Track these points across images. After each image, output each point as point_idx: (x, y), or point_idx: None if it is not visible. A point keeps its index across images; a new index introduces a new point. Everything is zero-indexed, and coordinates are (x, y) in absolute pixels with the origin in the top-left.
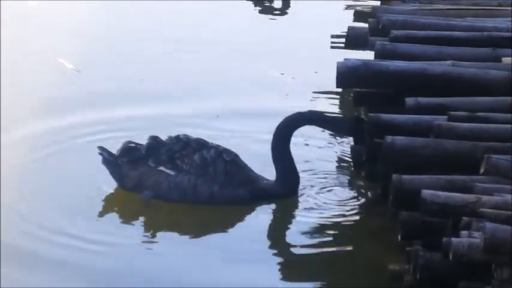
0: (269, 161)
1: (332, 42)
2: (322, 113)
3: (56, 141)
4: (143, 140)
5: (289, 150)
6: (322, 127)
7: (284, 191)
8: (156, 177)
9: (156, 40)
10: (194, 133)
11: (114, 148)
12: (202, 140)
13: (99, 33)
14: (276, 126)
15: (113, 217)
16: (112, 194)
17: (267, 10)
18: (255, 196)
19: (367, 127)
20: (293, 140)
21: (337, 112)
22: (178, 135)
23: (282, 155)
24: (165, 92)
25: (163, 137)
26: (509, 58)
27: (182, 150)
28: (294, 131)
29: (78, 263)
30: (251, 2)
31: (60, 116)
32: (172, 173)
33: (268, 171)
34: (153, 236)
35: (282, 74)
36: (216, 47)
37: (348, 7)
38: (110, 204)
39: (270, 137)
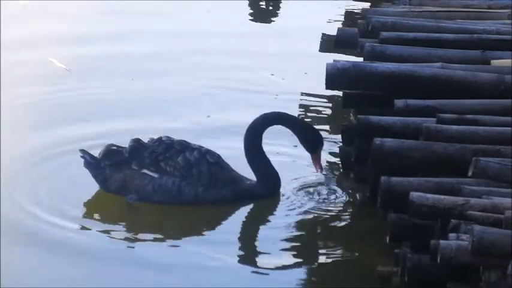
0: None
1: (321, 43)
2: (286, 114)
3: (44, 143)
4: (126, 143)
5: (263, 152)
6: (288, 127)
7: (266, 190)
8: (140, 180)
9: (148, 40)
10: (183, 134)
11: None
12: (185, 141)
13: (90, 33)
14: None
15: (97, 220)
16: (95, 196)
17: (258, 11)
18: (239, 196)
19: (356, 129)
20: (282, 141)
21: (327, 114)
22: (161, 137)
23: (256, 158)
24: (155, 91)
25: (146, 139)
26: (499, 60)
27: (165, 152)
28: (262, 133)
29: (62, 266)
30: (243, 3)
31: (51, 116)
32: (156, 175)
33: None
34: (137, 238)
35: (272, 74)
36: (206, 47)
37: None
38: (94, 206)
39: None
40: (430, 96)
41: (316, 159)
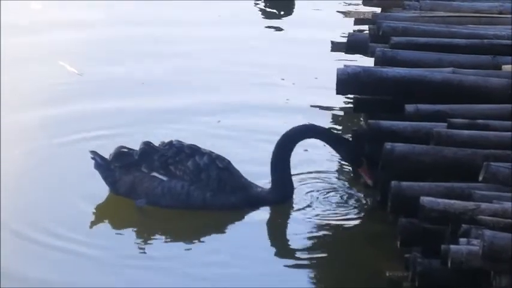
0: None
1: (332, 48)
2: (327, 128)
3: (53, 146)
4: (137, 145)
5: (289, 161)
6: (326, 142)
7: (277, 199)
8: (149, 183)
9: (159, 43)
10: (194, 139)
11: (108, 153)
12: (195, 146)
13: (102, 36)
14: (280, 134)
15: (106, 223)
16: (105, 199)
17: (269, 16)
18: (248, 202)
19: (367, 134)
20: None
21: (337, 118)
22: (171, 141)
23: (281, 165)
24: (165, 96)
25: (157, 142)
26: (510, 66)
27: (175, 156)
28: (296, 143)
29: (71, 268)
30: (254, 7)
31: (60, 120)
32: (165, 178)
33: (261, 177)
34: (146, 241)
35: (283, 79)
36: (216, 51)
37: (347, 14)
38: (103, 209)
39: (270, 141)
40: (441, 101)
41: (364, 172)
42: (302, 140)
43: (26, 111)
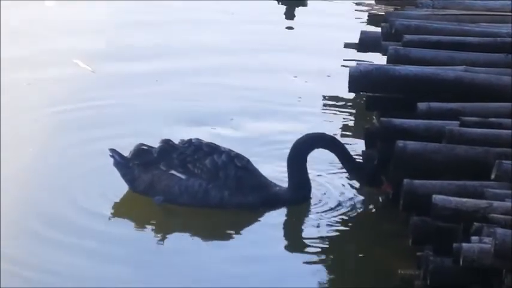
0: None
1: (345, 47)
2: (344, 146)
3: (70, 143)
4: (155, 143)
5: (305, 162)
6: (338, 158)
7: (295, 198)
8: (168, 181)
9: (171, 41)
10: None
11: (126, 150)
12: (214, 144)
13: (115, 34)
14: (296, 136)
15: (124, 219)
16: (123, 196)
17: (282, 14)
18: (266, 202)
19: (379, 132)
20: None
21: (349, 116)
22: (191, 139)
23: (297, 165)
24: (179, 94)
25: (176, 140)
26: None
27: (194, 154)
28: (312, 149)
29: (88, 264)
30: (267, 6)
31: (75, 118)
32: (183, 177)
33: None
34: (164, 238)
35: (295, 77)
36: (229, 49)
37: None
38: (121, 206)
39: (282, 139)
40: (453, 99)
41: (387, 188)
42: (316, 148)
43: (39, 110)
